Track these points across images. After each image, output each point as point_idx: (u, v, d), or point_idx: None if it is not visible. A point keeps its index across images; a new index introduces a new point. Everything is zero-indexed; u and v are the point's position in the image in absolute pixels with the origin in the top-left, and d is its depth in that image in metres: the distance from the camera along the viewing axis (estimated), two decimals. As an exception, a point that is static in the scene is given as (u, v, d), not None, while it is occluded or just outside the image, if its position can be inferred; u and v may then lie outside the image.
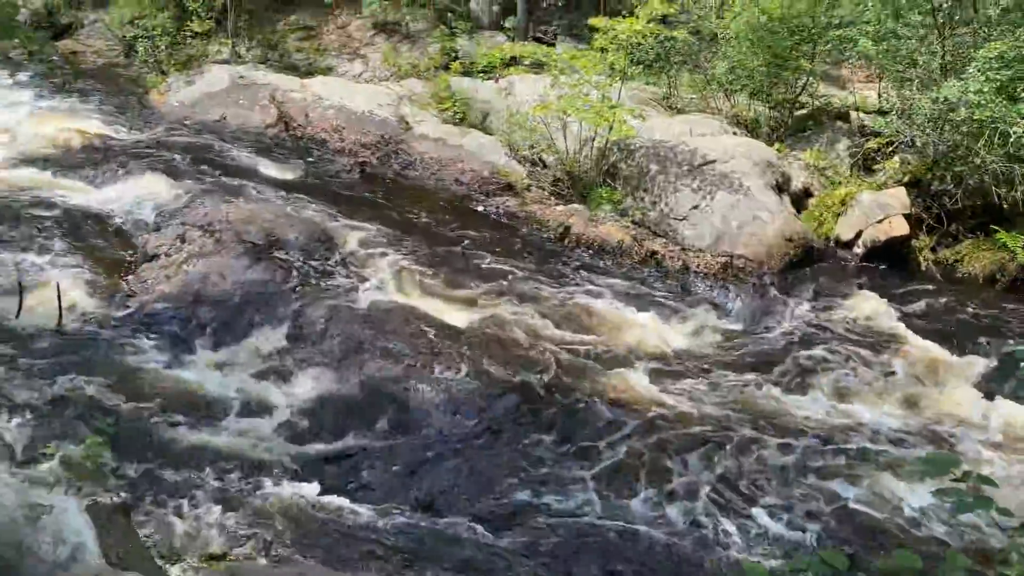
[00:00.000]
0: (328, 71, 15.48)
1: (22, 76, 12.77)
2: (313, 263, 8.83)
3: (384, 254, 9.32)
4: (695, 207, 10.29)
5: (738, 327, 9.02)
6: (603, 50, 10.65)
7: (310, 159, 12.58)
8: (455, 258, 9.54)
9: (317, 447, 6.25)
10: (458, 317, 8.15)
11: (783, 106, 12.38)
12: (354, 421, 6.58)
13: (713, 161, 10.63)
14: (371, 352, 7.33)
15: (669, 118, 12.34)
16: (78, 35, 17.10)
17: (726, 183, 10.36)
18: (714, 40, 12.66)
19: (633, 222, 10.46)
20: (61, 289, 7.42)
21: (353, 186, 11.76)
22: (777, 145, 11.71)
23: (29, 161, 10.80)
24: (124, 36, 16.24)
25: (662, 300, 9.22)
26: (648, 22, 10.37)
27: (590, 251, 10.14)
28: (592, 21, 10.81)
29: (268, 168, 11.93)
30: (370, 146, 12.87)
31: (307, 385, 6.97)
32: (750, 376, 7.89)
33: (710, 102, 13.07)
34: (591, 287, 9.23)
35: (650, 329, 8.65)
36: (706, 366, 8.05)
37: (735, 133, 11.94)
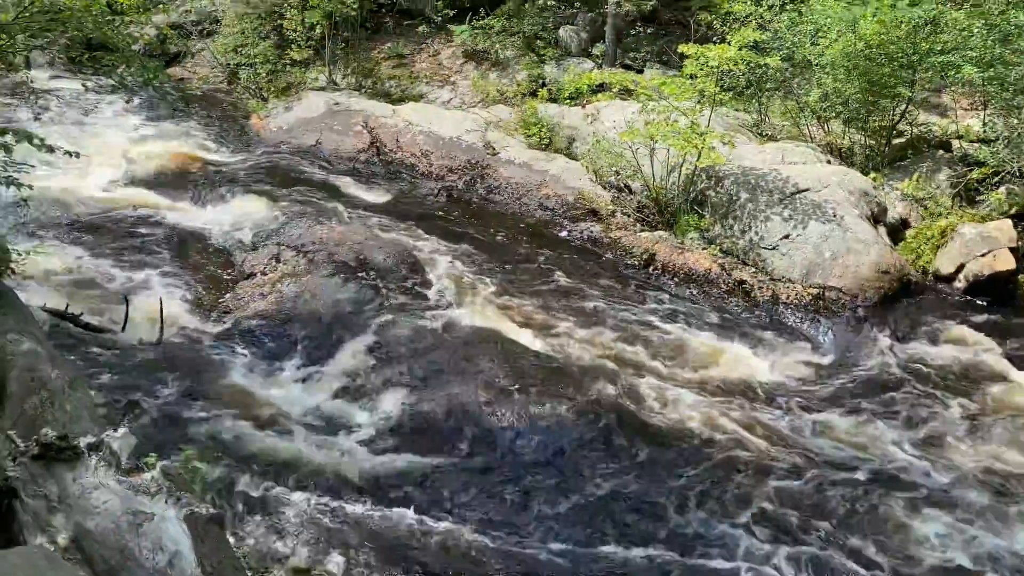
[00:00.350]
0: (419, 98, 15.84)
1: (137, 101, 13.58)
2: (399, 285, 9.01)
3: (468, 277, 9.43)
4: (786, 236, 10.05)
5: (829, 361, 8.74)
6: (692, 76, 10.56)
7: (399, 183, 12.87)
8: (538, 283, 9.57)
9: (398, 465, 6.33)
10: (541, 342, 8.16)
11: (880, 134, 12.00)
12: (435, 441, 6.65)
13: (805, 190, 10.38)
14: (454, 374, 7.40)
15: (759, 145, 12.12)
16: (185, 63, 18.05)
17: (819, 212, 10.08)
18: (807, 67, 12.39)
19: (721, 250, 10.29)
20: (164, 304, 7.78)
21: (439, 210, 11.96)
22: (873, 174, 11.34)
23: (140, 181, 11.42)
24: (228, 64, 17.03)
25: (750, 331, 9.03)
26: (740, 49, 10.24)
27: (676, 279, 10.02)
28: (682, 48, 10.74)
29: (359, 191, 12.27)
30: (457, 170, 13.10)
31: (390, 404, 7.07)
32: (840, 412, 7.63)
33: (802, 129, 12.79)
34: (677, 316, 9.12)
35: (737, 360, 8.49)
36: (794, 399, 7.82)
37: (828, 161, 11.63)
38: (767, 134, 12.95)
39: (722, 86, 11.18)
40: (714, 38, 12.54)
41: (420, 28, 16.99)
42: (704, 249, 10.31)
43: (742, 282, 9.84)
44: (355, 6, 15.81)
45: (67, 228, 9.51)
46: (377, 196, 12.18)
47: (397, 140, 13.84)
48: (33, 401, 4.41)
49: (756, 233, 10.22)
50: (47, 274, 8.19)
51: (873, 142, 12.06)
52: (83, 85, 9.48)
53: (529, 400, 7.12)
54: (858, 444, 7.10)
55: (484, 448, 6.61)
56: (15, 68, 8.35)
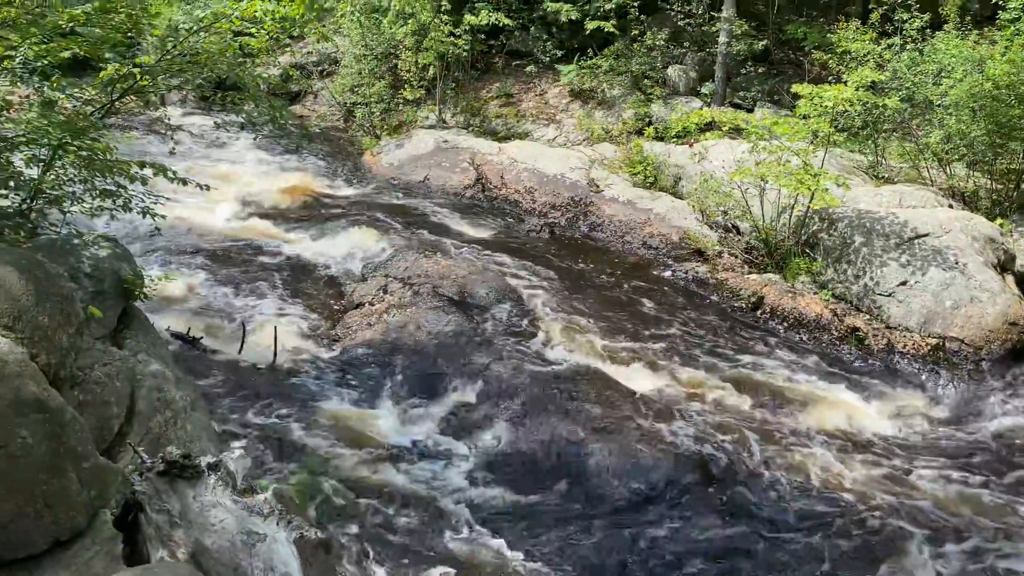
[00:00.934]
0: (524, 136, 16.10)
1: (262, 138, 14.36)
2: (502, 319, 9.09)
3: (570, 315, 9.42)
4: (903, 283, 9.60)
5: (948, 416, 8.27)
6: (805, 116, 10.32)
7: (503, 219, 13.06)
8: (640, 323, 9.47)
9: (496, 500, 6.33)
10: (643, 383, 8.05)
11: (1008, 178, 11.37)
12: (534, 479, 6.61)
13: (925, 235, 9.91)
14: (553, 412, 7.37)
15: (875, 187, 11.69)
16: (305, 101, 18.99)
17: (939, 259, 9.60)
18: (929, 107, 11.90)
19: (833, 296, 9.92)
20: (278, 330, 8.11)
21: (542, 246, 12.05)
22: (1000, 220, 10.73)
23: (260, 213, 12.03)
24: (344, 103, 17.81)
25: (863, 380, 8.65)
26: (857, 89, 9.95)
27: (785, 324, 9.71)
28: (796, 88, 10.53)
29: (464, 226, 12.52)
30: (560, 207, 13.19)
31: (490, 439, 7.10)
32: (957, 471, 7.18)
33: (922, 172, 12.27)
34: (785, 361, 8.83)
35: (849, 410, 8.13)
36: (909, 454, 7.42)
37: (950, 205, 11.10)
38: (883, 176, 12.48)
39: (836, 126, 10.88)
40: (829, 78, 12.23)
41: (528, 68, 17.32)
42: (815, 293, 9.97)
43: (855, 329, 9.44)
44: (467, 47, 16.29)
45: (192, 256, 10.07)
46: (481, 231, 12.39)
47: (502, 177, 14.07)
48: (158, 419, 4.67)
49: (871, 279, 9.81)
50: (172, 298, 8.68)
51: (1000, 186, 11.45)
52: (214, 123, 10.08)
53: (629, 441, 7.00)
54: (974, 509, 6.64)
55: (582, 488, 6.53)
56: (152, 105, 8.98)
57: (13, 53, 6.50)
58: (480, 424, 7.23)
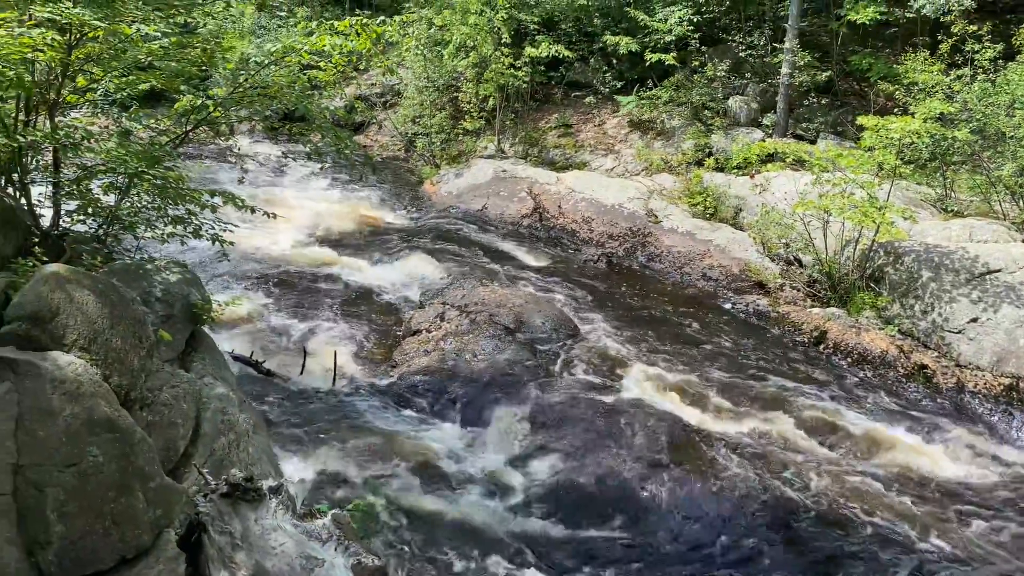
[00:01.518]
0: (582, 166, 16.15)
1: (326, 167, 14.71)
2: (557, 349, 9.06)
3: (626, 346, 9.35)
4: (974, 320, 9.28)
5: (1022, 459, 7.90)
6: (870, 148, 10.13)
7: (559, 248, 13.08)
8: (700, 357, 9.33)
9: (550, 532, 6.27)
10: (701, 419, 7.92)
11: (1087, 212, 10.95)
12: (589, 512, 6.54)
13: (997, 270, 9.57)
14: (608, 444, 7.29)
15: (944, 221, 11.35)
16: (368, 132, 19.41)
17: (1012, 296, 9.26)
18: (1001, 139, 11.55)
19: (899, 331, 9.64)
20: (337, 355, 8.23)
21: (599, 276, 12.01)
22: (1078, 255, 10.29)
23: (322, 240, 12.30)
24: (406, 133, 18.15)
25: (931, 420, 8.35)
26: (925, 121, 9.73)
27: (849, 359, 9.46)
28: (861, 119, 10.35)
29: (520, 254, 12.58)
30: (617, 237, 13.15)
31: (544, 470, 7.05)
32: (1033, 519, 6.84)
33: (993, 206, 11.87)
34: (849, 398, 8.59)
35: (914, 449, 7.87)
36: (982, 499, 7.10)
37: (1024, 240, 10.71)
38: (952, 209, 12.12)
39: (903, 159, 10.64)
40: (895, 109, 11.99)
41: (587, 99, 17.41)
42: (881, 329, 9.71)
43: (923, 366, 9.15)
44: (526, 79, 16.47)
45: (256, 281, 10.33)
46: (538, 260, 12.42)
47: (559, 206, 14.11)
48: (222, 441, 4.77)
49: (940, 315, 9.51)
50: (235, 322, 8.90)
51: (1079, 221, 11.02)
52: (281, 152, 10.36)
53: (685, 477, 6.88)
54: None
55: (637, 523, 6.43)
56: (222, 135, 9.29)
57: (96, 86, 6.83)
58: (535, 454, 7.19)
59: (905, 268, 10.08)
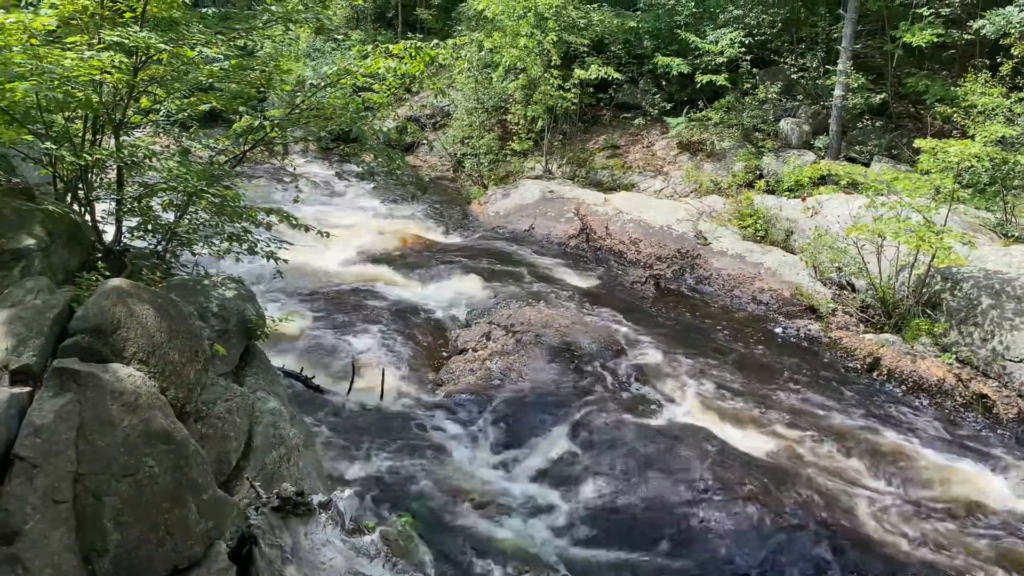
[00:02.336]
0: (630, 187, 16.12)
1: (377, 187, 14.94)
2: (603, 371, 9.00)
3: (675, 370, 9.24)
4: (1037, 349, 8.99)
5: (1092, 495, 7.58)
6: (927, 172, 9.92)
7: (606, 269, 13.03)
8: (749, 381, 9.18)
9: (596, 557, 6.20)
10: (749, 444, 7.77)
11: None
12: (635, 536, 6.45)
13: (1062, 298, 9.27)
14: (655, 469, 7.20)
15: (1004, 247, 11.04)
16: (418, 152, 19.68)
17: (1079, 324, 8.95)
18: (1066, 163, 11.23)
19: (957, 360, 9.37)
20: (385, 372, 8.30)
21: (646, 298, 11.92)
22: None
23: (372, 258, 12.45)
24: (454, 154, 18.34)
25: (990, 451, 8.08)
26: (985, 144, 9.50)
27: (903, 387, 9.22)
28: (919, 142, 10.15)
29: (567, 275, 12.56)
30: (665, 259, 13.06)
31: (590, 493, 6.98)
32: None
33: (1058, 231, 11.54)
34: (904, 428, 8.36)
35: (974, 482, 7.60)
36: (1048, 537, 6.82)
37: (1091, 267, 10.34)
38: (1013, 235, 11.79)
39: (961, 182, 10.39)
40: (953, 132, 11.74)
41: (636, 120, 17.41)
42: (937, 357, 9.45)
43: (982, 396, 8.87)
44: (575, 100, 16.54)
45: (307, 297, 10.49)
46: (584, 281, 12.39)
47: (606, 227, 14.08)
48: (273, 456, 4.83)
49: (1000, 343, 9.22)
50: (286, 338, 9.04)
51: None
52: (335, 172, 10.55)
53: (734, 504, 6.75)
54: None
55: (684, 549, 6.32)
56: (276, 155, 9.50)
57: (159, 106, 7.06)
58: (580, 477, 7.14)
59: (963, 294, 9.81)
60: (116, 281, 4.65)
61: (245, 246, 6.55)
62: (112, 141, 6.09)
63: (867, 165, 14.00)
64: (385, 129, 11.14)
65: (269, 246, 6.55)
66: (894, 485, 7.40)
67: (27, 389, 4.00)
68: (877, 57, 15.93)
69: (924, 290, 10.16)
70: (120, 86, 5.93)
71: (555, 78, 16.11)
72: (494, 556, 5.87)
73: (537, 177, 16.70)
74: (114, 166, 6.14)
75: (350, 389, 8.15)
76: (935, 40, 13.74)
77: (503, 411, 8.11)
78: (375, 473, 6.59)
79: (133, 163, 6.12)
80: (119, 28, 5.42)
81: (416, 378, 8.81)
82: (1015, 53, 12.52)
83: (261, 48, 10.55)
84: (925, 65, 15.70)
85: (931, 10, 13.84)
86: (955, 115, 12.53)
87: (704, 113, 16.13)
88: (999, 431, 8.51)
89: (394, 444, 7.20)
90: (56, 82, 5.12)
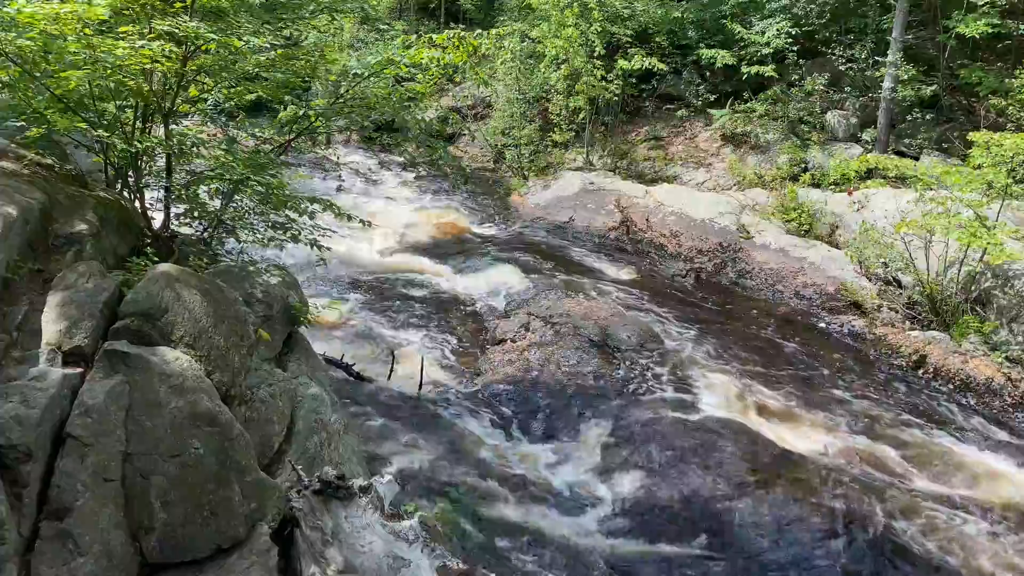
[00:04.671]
0: (672, 179, 15.96)
1: (419, 177, 15.02)
2: (642, 364, 8.96)
3: (714, 364, 9.17)
4: (1092, 349, 8.72)
5: None
6: (979, 166, 9.66)
7: (646, 262, 12.94)
8: (791, 377, 9.06)
9: (634, 549, 6.19)
10: (792, 441, 7.68)
11: None
12: (673, 529, 6.43)
13: (1120, 297, 8.98)
14: (696, 463, 7.16)
15: (1060, 244, 10.71)
16: (459, 143, 19.70)
17: None
18: None
19: (1007, 359, 9.13)
20: (424, 361, 8.36)
21: (686, 291, 11.82)
22: None
23: (412, 247, 12.54)
24: (495, 145, 18.34)
25: (1041, 453, 7.87)
26: (1042, 137, 9.23)
27: (950, 385, 9.02)
28: (972, 135, 9.89)
29: (607, 267, 12.51)
30: (707, 252, 12.93)
31: (629, 485, 6.97)
32: None
33: (1117, 228, 11.13)
34: (950, 427, 8.19)
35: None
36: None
37: None
38: (1070, 231, 11.42)
39: (1015, 177, 10.10)
40: (1008, 126, 11.41)
41: (679, 112, 17.23)
42: (986, 355, 9.22)
43: (1033, 396, 8.64)
44: (617, 92, 16.41)
45: (348, 286, 10.61)
46: (624, 273, 12.33)
47: (647, 220, 13.98)
48: (315, 440, 4.91)
49: (1053, 342, 8.98)
50: (328, 325, 9.15)
51: None
52: (378, 161, 10.63)
53: (773, 499, 6.69)
54: None
55: (722, 542, 6.28)
56: (319, 144, 9.59)
57: (206, 95, 7.17)
58: (618, 469, 7.12)
59: (1015, 292, 9.56)
60: (164, 266, 4.75)
61: (288, 234, 6.63)
62: (161, 130, 6.20)
63: (916, 159, 13.67)
64: (427, 119, 11.19)
65: (312, 234, 6.63)
66: (938, 485, 7.25)
67: (79, 370, 4.12)
68: (929, 48, 15.51)
69: (973, 287, 9.92)
70: (170, 75, 6.02)
71: (598, 68, 15.99)
72: (531, 545, 5.90)
73: (578, 169, 16.63)
74: (163, 154, 6.25)
75: (390, 376, 8.23)
76: (990, 31, 13.33)
77: (541, 402, 8.12)
78: (414, 459, 6.65)
79: (181, 151, 6.22)
80: (169, 18, 5.51)
81: (455, 367, 8.87)
82: (1075, 44, 12.13)
83: (307, 38, 10.66)
84: (979, 56, 15.25)
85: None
86: (1010, 108, 12.18)
87: (749, 105, 15.88)
88: (1050, 433, 8.28)
89: (433, 432, 7.26)
90: (108, 71, 5.23)
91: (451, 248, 12.81)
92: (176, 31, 5.38)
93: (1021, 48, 14.33)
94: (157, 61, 5.39)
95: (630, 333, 9.49)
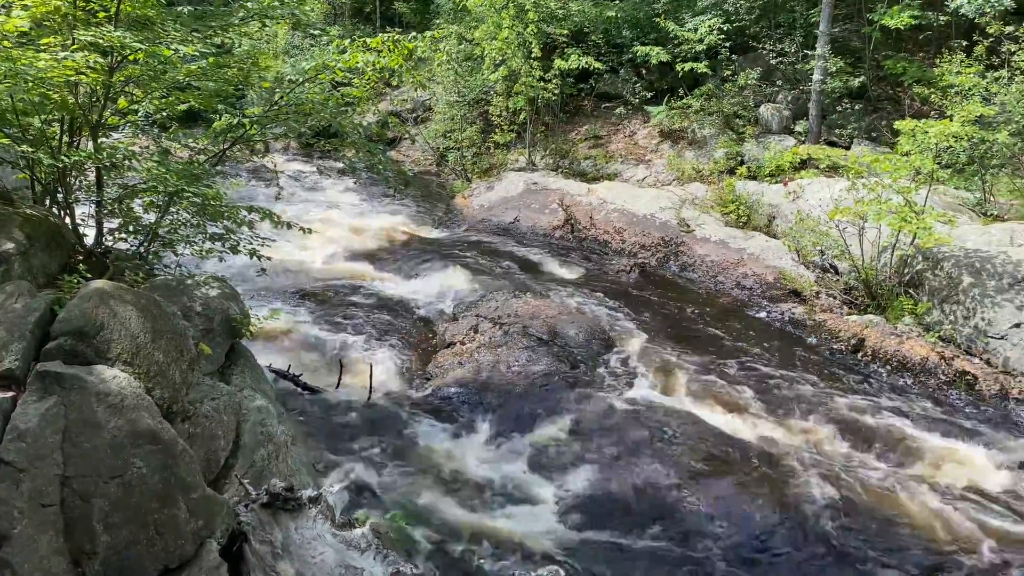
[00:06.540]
0: (613, 177, 16.13)
1: (360, 182, 14.88)
2: (591, 360, 9.05)
3: (661, 356, 9.29)
4: (1017, 325, 9.08)
5: (1075, 467, 7.69)
6: (907, 153, 9.99)
7: (592, 259, 13.06)
8: (735, 365, 9.24)
9: (587, 542, 6.23)
10: (738, 428, 7.83)
11: None
12: (626, 522, 6.49)
13: (1041, 274, 9.37)
14: (644, 454, 7.25)
15: (984, 225, 11.14)
16: (400, 147, 19.61)
17: (1058, 299, 9.05)
18: (1043, 140, 11.34)
19: (940, 338, 9.46)
20: (373, 368, 8.30)
21: (631, 286, 11.96)
22: None
23: (356, 254, 12.42)
24: (437, 148, 18.30)
25: (975, 428, 8.17)
26: (963, 124, 9.58)
27: (888, 367, 9.30)
28: (898, 124, 10.23)
29: (553, 266, 12.59)
30: (650, 247, 13.11)
31: (580, 480, 7.02)
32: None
33: (1036, 208, 11.63)
34: (889, 407, 8.43)
35: (959, 458, 7.69)
36: (1029, 509, 6.92)
37: (1069, 243, 10.46)
38: (992, 214, 11.90)
39: (940, 163, 10.47)
40: (931, 113, 11.83)
41: (617, 110, 17.42)
42: (921, 336, 9.53)
43: (965, 373, 8.96)
44: (556, 91, 16.52)
45: (293, 296, 10.45)
46: (570, 271, 12.42)
47: (591, 217, 14.11)
48: (262, 453, 4.83)
49: (982, 320, 9.32)
50: (273, 336, 9.00)
51: (1125, 222, 10.73)
52: (316, 168, 10.52)
53: (723, 487, 6.82)
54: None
55: (674, 532, 6.37)
56: (257, 153, 9.45)
57: (136, 107, 7.00)
58: (570, 465, 7.17)
59: (945, 273, 9.91)
60: (98, 283, 4.63)
61: (227, 245, 6.53)
62: (90, 143, 6.04)
63: (847, 148, 14.08)
64: (366, 124, 11.10)
65: (252, 244, 6.53)
66: (881, 463, 7.48)
67: (10, 394, 3.98)
68: (855, 40, 16.00)
69: (906, 270, 10.25)
70: (96, 87, 5.88)
71: (536, 69, 16.08)
72: (487, 545, 5.89)
73: (521, 169, 16.69)
74: (93, 168, 6.09)
75: (338, 385, 8.15)
76: (912, 22, 13.82)
77: (492, 403, 8.12)
78: (366, 467, 6.59)
79: (112, 165, 6.08)
80: (93, 28, 5.37)
81: (405, 372, 8.82)
82: (990, 32, 12.62)
83: (239, 46, 10.48)
84: (903, 47, 15.79)
85: (908, -8, 13.92)
86: (933, 96, 12.62)
87: (684, 101, 16.15)
88: (982, 407, 8.60)
89: (384, 438, 7.21)
90: (30, 84, 5.08)
91: (397, 253, 12.73)
92: (100, 41, 5.25)
93: (941, 38, 14.87)
94: (82, 73, 5.26)
95: (578, 330, 9.56)
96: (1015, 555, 6.23)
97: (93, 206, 6.20)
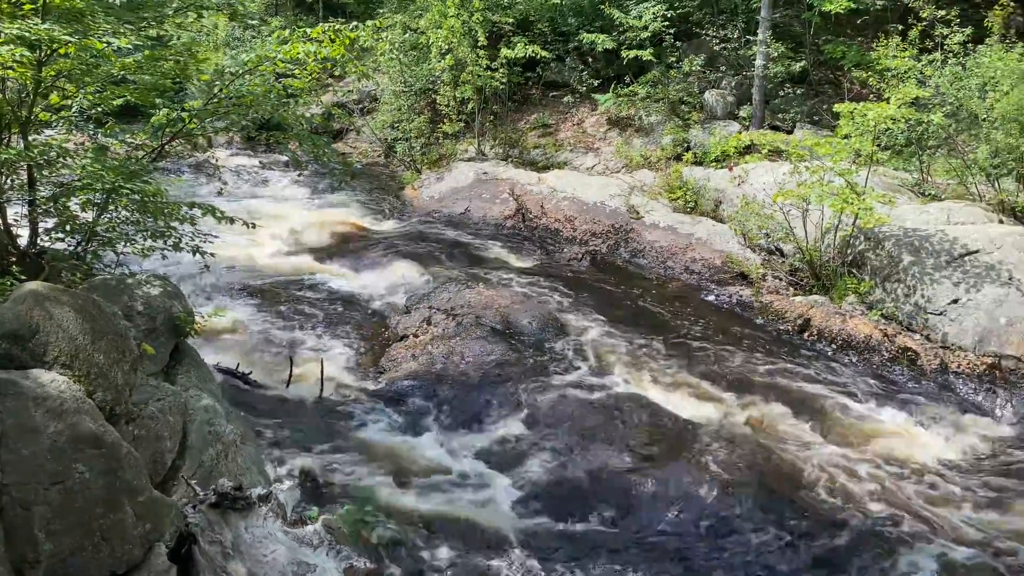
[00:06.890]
0: (563, 165, 16.18)
1: (303, 175, 14.67)
2: (545, 348, 9.09)
3: (614, 342, 9.37)
4: (955, 301, 9.38)
5: (1009, 435, 8.00)
6: (847, 136, 10.22)
7: (543, 248, 13.10)
8: (686, 349, 9.37)
9: (543, 529, 6.27)
10: (689, 410, 7.95)
11: (1062, 190, 11.07)
12: (580, 507, 6.55)
13: (976, 251, 9.68)
14: (599, 440, 7.32)
15: (922, 205, 11.47)
16: (347, 139, 19.37)
17: (992, 275, 9.36)
18: (974, 122, 11.69)
19: (882, 316, 9.72)
20: (324, 364, 8.21)
21: (584, 274, 12.04)
22: (1055, 233, 10.41)
23: (305, 249, 12.26)
24: (385, 139, 18.13)
25: (917, 402, 8.43)
26: (900, 106, 9.82)
27: (833, 346, 9.53)
28: (838, 107, 10.44)
29: (505, 256, 12.59)
30: (600, 235, 13.21)
31: (536, 467, 7.06)
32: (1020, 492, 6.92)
33: (969, 188, 12.00)
34: (835, 385, 8.65)
35: (903, 432, 7.93)
36: (970, 478, 7.17)
37: (1001, 221, 10.82)
38: (930, 193, 12.25)
39: (879, 145, 10.73)
40: (870, 96, 12.10)
41: (565, 98, 17.46)
42: (864, 314, 9.78)
43: (907, 349, 9.23)
44: (504, 80, 16.48)
45: (239, 292, 10.28)
46: (522, 261, 12.44)
47: (542, 206, 14.14)
48: (210, 453, 4.75)
49: (922, 297, 9.60)
50: (220, 334, 8.86)
51: (1054, 199, 11.14)
52: (259, 162, 10.34)
53: (676, 468, 6.92)
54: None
55: (629, 516, 6.45)
56: (199, 148, 9.25)
57: (69, 102, 6.79)
58: (526, 453, 7.20)
59: (886, 253, 10.17)
60: (31, 285, 4.48)
61: (169, 242, 6.39)
62: (20, 141, 5.85)
63: (790, 132, 14.35)
64: (309, 115, 10.94)
65: (194, 241, 6.40)
66: (827, 440, 7.66)
67: (-58, 401, 3.84)
68: (796, 25, 16.28)
69: (849, 251, 10.50)
70: (25, 82, 5.69)
71: (482, 58, 16.02)
72: (442, 535, 5.88)
73: (470, 159, 16.63)
74: (24, 166, 5.90)
75: (288, 382, 8.05)
76: (851, 6, 14.10)
77: (446, 395, 8.11)
78: (318, 463, 6.52)
79: (45, 163, 5.89)
80: (19, 21, 5.19)
81: (357, 367, 8.75)
82: (924, 16, 12.95)
83: (177, 38, 10.23)
84: (842, 32, 16.12)
85: (845, -23, 14.18)
86: (871, 80, 12.90)
87: (631, 88, 16.25)
88: (923, 382, 8.87)
89: (336, 433, 7.15)
90: (-47, 80, 4.89)
91: (346, 246, 12.60)
92: (27, 34, 5.07)
93: (878, 22, 15.21)
94: (9, 68, 5.08)
95: (531, 319, 9.59)
96: (947, 522, 6.45)
97: (26, 206, 6.00)
